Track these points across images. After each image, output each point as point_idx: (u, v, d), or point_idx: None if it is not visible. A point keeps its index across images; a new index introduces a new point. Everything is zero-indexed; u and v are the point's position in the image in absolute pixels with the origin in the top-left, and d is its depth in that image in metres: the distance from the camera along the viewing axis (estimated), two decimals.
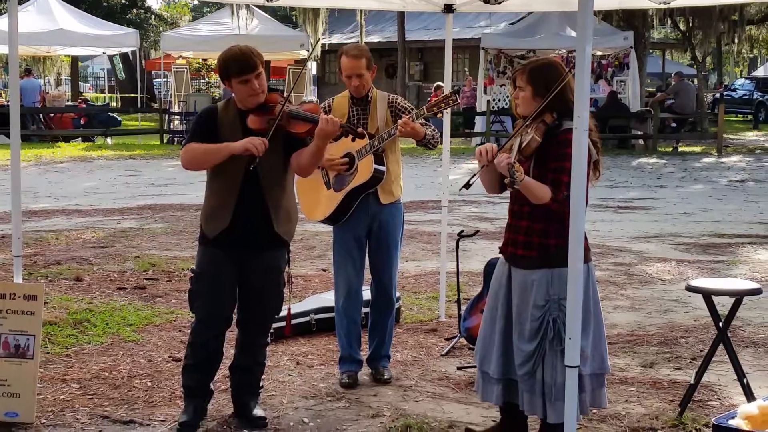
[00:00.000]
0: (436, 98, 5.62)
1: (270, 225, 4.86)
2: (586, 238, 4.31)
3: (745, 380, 5.32)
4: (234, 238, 4.84)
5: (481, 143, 24.86)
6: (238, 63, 4.76)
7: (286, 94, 4.95)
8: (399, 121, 5.50)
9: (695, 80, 34.68)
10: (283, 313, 5.47)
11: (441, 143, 5.79)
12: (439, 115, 5.92)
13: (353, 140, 5.44)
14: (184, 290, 5.04)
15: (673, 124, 25.70)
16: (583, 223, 3.90)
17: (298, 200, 5.89)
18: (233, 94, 4.91)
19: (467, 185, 4.35)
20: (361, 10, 31.21)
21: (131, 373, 6.00)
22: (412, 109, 5.72)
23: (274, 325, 6.44)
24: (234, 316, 5.05)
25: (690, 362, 6.31)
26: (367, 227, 5.79)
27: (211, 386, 5.12)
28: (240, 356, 5.10)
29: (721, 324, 5.34)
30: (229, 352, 5.19)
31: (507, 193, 4.53)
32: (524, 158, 4.27)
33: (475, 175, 4.42)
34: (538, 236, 4.36)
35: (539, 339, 4.31)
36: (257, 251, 4.88)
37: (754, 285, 5.49)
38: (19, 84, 23.34)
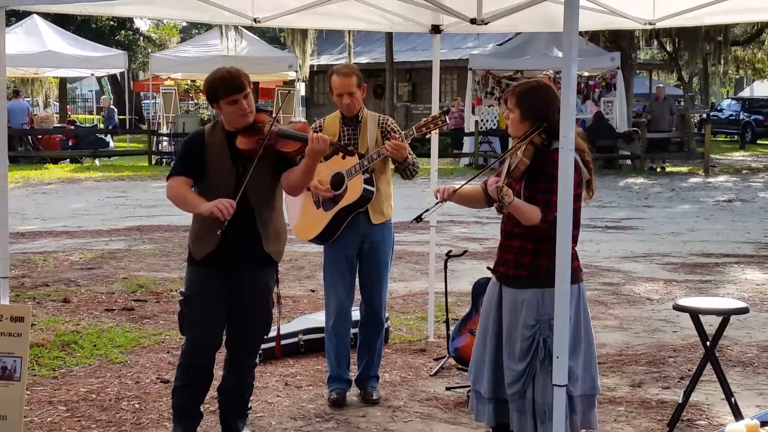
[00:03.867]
0: (425, 119, 5.64)
1: (260, 244, 4.85)
2: (577, 258, 4.33)
3: (733, 399, 5.33)
4: (222, 259, 4.83)
5: (470, 164, 25.02)
6: (225, 84, 4.77)
7: (274, 114, 4.95)
8: (387, 143, 5.51)
9: (681, 101, 34.85)
10: (273, 333, 5.47)
11: (416, 173, 5.81)
12: (428, 135, 5.94)
13: (343, 158, 5.46)
14: (173, 311, 5.03)
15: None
16: (570, 243, 3.91)
17: (288, 220, 5.90)
18: (221, 116, 4.91)
19: (419, 219, 4.50)
20: (349, 31, 31.31)
21: (119, 395, 5.97)
22: (401, 131, 5.74)
23: (263, 346, 6.44)
24: (223, 336, 5.04)
25: (678, 382, 6.32)
26: (358, 247, 5.79)
27: (201, 408, 5.10)
28: (228, 377, 5.08)
29: (708, 343, 5.35)
30: (218, 373, 5.18)
31: (496, 213, 4.55)
32: (514, 180, 4.29)
33: (428, 210, 4.52)
34: (529, 256, 4.37)
35: (529, 359, 4.31)
36: (246, 271, 4.88)
37: (741, 304, 5.51)
38: (7, 106, 23.16)
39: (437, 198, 4.47)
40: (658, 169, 24.44)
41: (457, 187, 4.48)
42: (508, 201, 4.08)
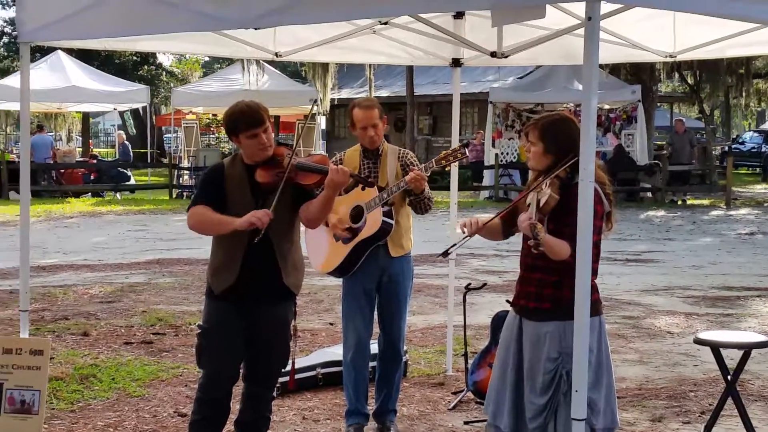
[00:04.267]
0: (444, 152, 5.64)
1: (278, 277, 4.85)
2: (597, 290, 4.31)
3: None
4: (241, 293, 4.83)
5: (490, 197, 24.98)
6: (245, 118, 4.79)
7: (294, 146, 4.96)
8: (408, 175, 5.51)
9: (703, 133, 34.77)
10: (288, 366, 5.45)
11: (430, 209, 5.82)
12: (447, 168, 5.94)
13: (363, 189, 5.47)
14: (191, 345, 5.03)
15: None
16: (589, 275, 3.89)
17: (307, 252, 5.90)
18: (240, 150, 4.93)
19: (446, 253, 4.48)
20: (370, 65, 31.48)
21: (136, 429, 5.97)
22: (420, 165, 5.75)
23: (282, 380, 6.43)
24: (240, 370, 5.02)
25: (699, 416, 6.25)
26: (377, 280, 5.78)
27: None
28: (245, 411, 5.06)
29: (729, 377, 5.30)
30: (235, 407, 5.16)
31: (516, 246, 4.54)
32: (544, 216, 4.27)
33: (455, 245, 4.48)
34: (551, 288, 4.34)
35: (552, 392, 4.28)
36: (265, 304, 4.87)
37: (762, 338, 5.47)
38: (31, 140, 23.23)
39: (464, 232, 4.44)
40: (680, 202, 24.35)
41: (484, 220, 4.47)
42: (543, 238, 4.06)
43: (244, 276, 4.80)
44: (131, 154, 30.78)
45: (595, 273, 4.20)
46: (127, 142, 32.09)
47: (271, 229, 4.73)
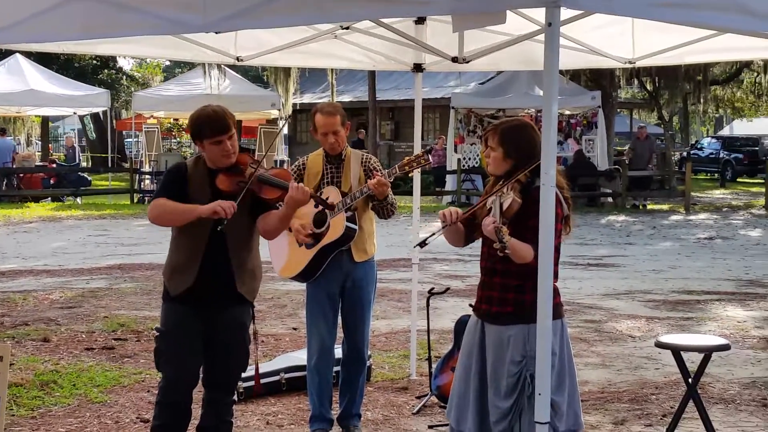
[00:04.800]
0: (408, 157, 5.65)
1: (233, 285, 4.84)
2: (558, 293, 4.33)
3: None
4: (198, 296, 4.81)
5: (452, 202, 25.06)
6: (211, 124, 4.77)
7: (259, 157, 4.95)
8: (370, 181, 5.52)
9: (662, 139, 35.11)
10: (251, 370, 5.43)
11: (393, 214, 5.83)
12: (411, 173, 5.96)
13: (322, 211, 5.46)
14: (153, 350, 4.99)
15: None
16: (551, 278, 3.91)
17: (270, 257, 5.89)
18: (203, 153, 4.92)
19: (423, 243, 4.47)
20: (332, 70, 31.47)
21: None
22: (383, 170, 5.75)
23: (244, 385, 6.42)
24: (200, 374, 5.00)
25: (661, 419, 6.31)
26: (341, 285, 5.79)
27: None
28: (206, 416, 5.04)
29: (690, 380, 5.36)
30: (197, 412, 5.13)
31: (478, 251, 4.55)
32: (507, 220, 4.29)
33: (433, 234, 4.49)
34: (513, 292, 4.37)
35: (516, 395, 4.29)
36: (221, 308, 4.86)
37: (722, 341, 5.53)
38: None
39: (443, 221, 4.44)
40: (641, 207, 24.57)
41: (463, 212, 4.47)
42: (508, 241, 4.08)
43: (201, 279, 4.79)
44: (80, 157, 30.46)
45: (555, 276, 4.22)
46: (76, 145, 31.82)
47: (228, 238, 4.71)
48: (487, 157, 4.55)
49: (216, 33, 5.47)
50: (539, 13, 5.48)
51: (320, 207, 5.58)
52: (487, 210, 4.38)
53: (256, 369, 5.38)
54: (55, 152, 42.00)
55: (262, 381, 6.68)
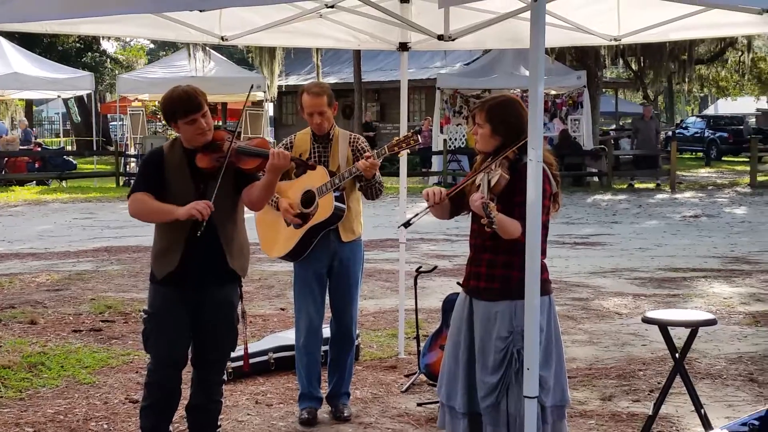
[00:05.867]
0: (396, 138, 5.63)
1: (224, 260, 4.84)
2: (546, 270, 4.34)
3: (702, 411, 5.36)
4: (184, 277, 4.81)
5: (438, 183, 25.06)
6: (182, 104, 4.73)
7: (235, 131, 4.92)
8: (361, 160, 5.51)
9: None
10: (240, 350, 5.43)
11: (381, 194, 5.83)
12: (400, 154, 5.95)
13: (304, 172, 5.45)
14: (141, 332, 4.99)
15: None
16: (539, 253, 3.93)
17: (258, 237, 5.88)
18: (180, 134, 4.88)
19: (407, 224, 4.47)
20: (317, 51, 31.38)
21: (87, 416, 5.92)
22: (371, 150, 5.73)
23: (233, 365, 6.42)
24: (189, 354, 5.00)
25: (648, 394, 6.35)
26: (328, 265, 5.79)
27: (170, 428, 5.05)
28: (196, 395, 5.04)
29: (677, 355, 5.38)
30: (186, 392, 5.14)
31: (466, 231, 4.55)
32: (495, 196, 4.29)
33: (417, 215, 4.49)
34: (501, 268, 4.37)
35: (503, 370, 4.31)
36: (209, 288, 4.85)
37: (709, 316, 5.55)
38: None
39: (428, 200, 4.44)
40: (653, 186, 24.41)
41: (447, 191, 4.47)
42: (496, 216, 4.09)
43: (186, 261, 4.78)
44: (34, 141, 30.22)
45: (543, 253, 4.23)
46: (29, 129, 31.62)
47: (215, 213, 4.71)
48: (475, 134, 4.55)
49: (200, 11, 5.44)
50: None
51: (307, 184, 5.58)
52: (475, 187, 4.38)
53: (245, 349, 5.37)
54: (39, 136, 41.86)
55: (251, 361, 6.69)
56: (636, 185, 24.77)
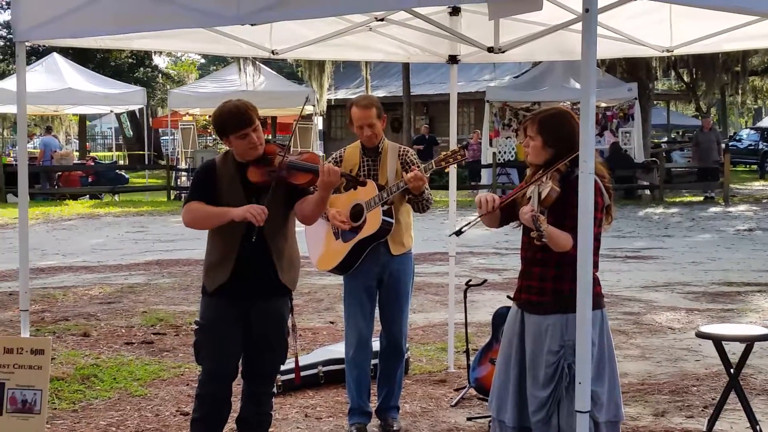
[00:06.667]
0: (444, 153, 5.62)
1: (275, 274, 4.85)
2: (598, 283, 4.30)
3: (758, 427, 5.27)
4: (235, 290, 4.83)
5: None
6: (234, 119, 4.77)
7: (288, 145, 4.94)
8: (408, 174, 5.50)
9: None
10: (291, 363, 5.43)
11: (429, 208, 5.81)
12: (447, 169, 5.93)
13: (355, 189, 5.46)
14: (192, 344, 5.02)
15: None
16: (591, 266, 3.88)
17: (308, 250, 5.89)
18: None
19: (459, 232, 4.44)
20: (366, 64, 31.45)
21: (139, 428, 5.96)
22: (419, 164, 5.72)
23: (283, 378, 6.44)
24: (239, 366, 5.01)
25: (702, 410, 6.24)
26: (378, 278, 5.78)
27: None
28: (246, 407, 5.05)
29: (732, 371, 5.30)
30: (237, 405, 5.15)
31: (516, 244, 4.52)
32: (545, 209, 4.26)
33: (469, 224, 4.46)
34: (551, 281, 4.34)
35: (554, 385, 4.27)
36: (259, 301, 4.87)
37: (764, 331, 5.46)
38: (44, 140, 23.38)
39: (480, 207, 4.41)
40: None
41: (500, 199, 4.44)
42: (546, 230, 4.06)
43: (238, 273, 4.80)
44: (58, 149, 30.05)
45: (596, 266, 4.19)
46: (53, 136, 31.65)
47: (266, 227, 4.73)
48: (526, 146, 4.52)
49: (251, 25, 5.47)
50: (576, 2, 5.43)
51: (355, 198, 5.58)
52: (526, 199, 4.36)
53: (296, 362, 5.38)
54: (92, 150, 42.40)
55: (301, 374, 6.71)
56: (691, 198, 24.46)
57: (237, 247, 4.80)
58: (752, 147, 38.94)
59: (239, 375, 4.99)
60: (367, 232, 5.65)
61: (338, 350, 6.73)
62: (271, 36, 6.92)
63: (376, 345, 6.05)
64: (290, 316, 4.99)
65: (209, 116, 34.49)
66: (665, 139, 42.16)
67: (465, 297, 6.76)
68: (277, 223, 4.85)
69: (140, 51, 38.04)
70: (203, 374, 4.95)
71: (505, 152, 25.82)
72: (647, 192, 24.88)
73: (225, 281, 4.82)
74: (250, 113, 4.79)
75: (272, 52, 7.08)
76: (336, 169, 4.79)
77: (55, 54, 28.24)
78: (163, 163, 29.63)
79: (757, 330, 5.64)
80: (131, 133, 44.54)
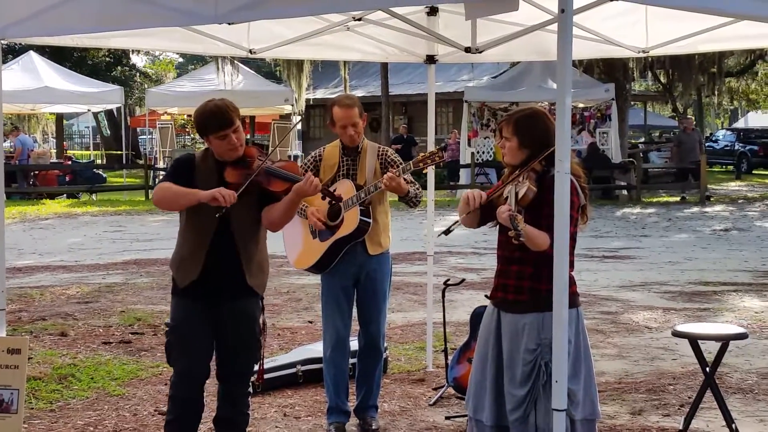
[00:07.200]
0: (422, 154, 5.63)
1: (242, 277, 4.84)
2: (574, 282, 4.32)
3: (733, 426, 5.32)
4: (205, 289, 4.82)
5: None
6: (214, 118, 4.76)
7: (270, 149, 4.94)
8: (384, 176, 5.51)
9: (676, 132, 35.01)
10: (269, 362, 5.42)
11: (423, 199, 5.81)
12: (425, 170, 5.94)
13: (330, 204, 5.44)
14: (164, 345, 5.01)
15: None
16: (567, 265, 3.91)
17: (285, 248, 5.90)
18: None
19: (447, 231, 4.45)
20: (345, 64, 31.44)
21: (117, 428, 5.94)
22: (400, 163, 5.73)
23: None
24: (212, 367, 5.00)
25: (678, 409, 6.29)
26: (355, 277, 5.79)
27: None
28: (222, 408, 5.03)
29: (708, 369, 5.34)
30: (213, 404, 5.14)
31: (493, 243, 4.54)
32: (522, 208, 4.28)
33: (456, 222, 4.48)
34: (528, 280, 4.36)
35: (531, 383, 4.29)
36: (229, 301, 4.86)
37: (740, 330, 5.51)
38: (20, 139, 23.05)
39: (467, 204, 4.41)
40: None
41: (486, 194, 4.45)
42: (523, 228, 4.08)
43: (207, 271, 4.79)
44: (33, 147, 29.61)
45: (571, 265, 4.22)
46: (25, 136, 31.45)
47: (236, 225, 4.71)
48: (502, 147, 4.54)
49: (229, 24, 5.47)
50: (552, 3, 5.46)
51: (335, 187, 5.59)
52: (503, 199, 4.38)
53: (261, 362, 5.34)
54: (69, 149, 42.18)
55: (279, 374, 6.71)
56: (667, 198, 24.60)
57: (208, 241, 4.79)
58: (728, 148, 39.21)
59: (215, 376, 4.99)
60: (344, 232, 5.66)
61: (317, 349, 6.73)
62: (249, 35, 6.91)
63: (354, 344, 6.06)
64: (261, 315, 4.98)
65: (187, 115, 34.46)
66: (642, 139, 42.35)
67: (443, 296, 6.78)
68: (248, 228, 4.85)
69: (118, 50, 37.90)
70: (175, 376, 4.94)
71: (483, 152, 25.89)
72: (624, 192, 25.00)
73: (195, 278, 4.80)
74: (231, 114, 4.79)
75: (250, 51, 7.07)
76: (317, 184, 4.79)
77: (31, 52, 28.07)
78: (141, 162, 29.48)
79: (733, 329, 5.69)
80: (109, 132, 44.35)
